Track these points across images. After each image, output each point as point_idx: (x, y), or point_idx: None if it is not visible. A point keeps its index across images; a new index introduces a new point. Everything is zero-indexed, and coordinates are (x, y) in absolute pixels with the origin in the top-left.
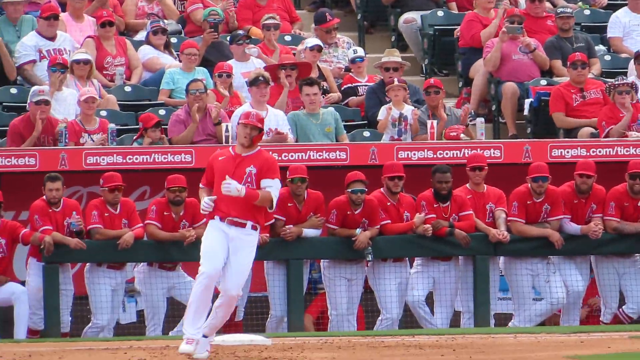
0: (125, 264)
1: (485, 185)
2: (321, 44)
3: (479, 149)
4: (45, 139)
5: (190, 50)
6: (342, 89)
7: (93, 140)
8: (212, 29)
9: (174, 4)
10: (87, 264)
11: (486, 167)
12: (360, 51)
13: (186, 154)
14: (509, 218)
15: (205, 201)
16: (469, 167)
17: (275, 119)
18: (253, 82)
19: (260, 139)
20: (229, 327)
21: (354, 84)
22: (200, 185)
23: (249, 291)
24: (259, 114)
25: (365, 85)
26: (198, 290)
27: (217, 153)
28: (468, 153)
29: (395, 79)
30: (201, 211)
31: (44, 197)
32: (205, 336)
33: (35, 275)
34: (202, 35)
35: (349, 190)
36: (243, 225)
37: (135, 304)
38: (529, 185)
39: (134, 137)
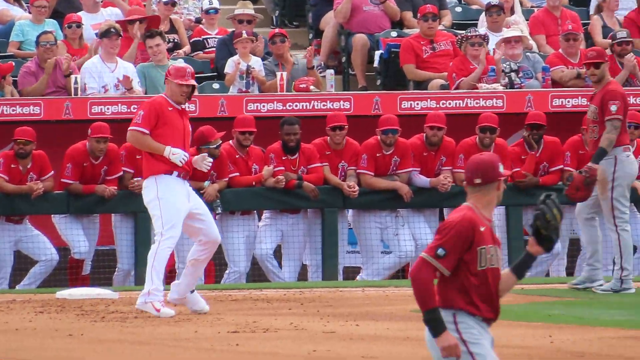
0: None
1: (344, 142)
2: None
3: (328, 101)
4: None
5: (40, 2)
6: (192, 40)
7: None
8: None
9: None
10: None
11: (346, 127)
12: (215, 3)
13: (35, 106)
14: (358, 170)
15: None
16: (328, 126)
17: (125, 70)
18: (104, 34)
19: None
20: (76, 281)
21: (203, 37)
22: (144, 130)
23: (96, 244)
24: (192, 70)
25: (216, 38)
26: (166, 254)
27: (158, 101)
28: (318, 105)
29: (244, 32)
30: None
31: None
32: (192, 291)
33: None
34: None
35: (204, 147)
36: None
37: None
38: (379, 137)
39: None
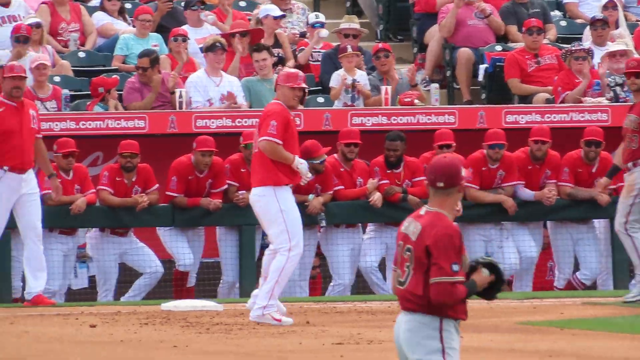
0: (77, 229)
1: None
2: (277, 13)
3: (433, 115)
4: None
5: (145, 16)
6: (297, 53)
7: (47, 109)
8: None
9: None
10: None
11: (454, 145)
12: (321, 17)
13: (139, 120)
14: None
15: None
16: (436, 144)
17: (230, 85)
18: (210, 48)
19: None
20: (181, 292)
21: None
22: (279, 141)
23: (200, 257)
24: (303, 75)
25: (320, 52)
26: (292, 269)
27: (283, 108)
28: (422, 119)
29: (349, 46)
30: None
31: None
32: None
33: None
34: (156, 0)
35: (316, 161)
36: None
37: (87, 269)
38: (485, 151)
39: (93, 101)
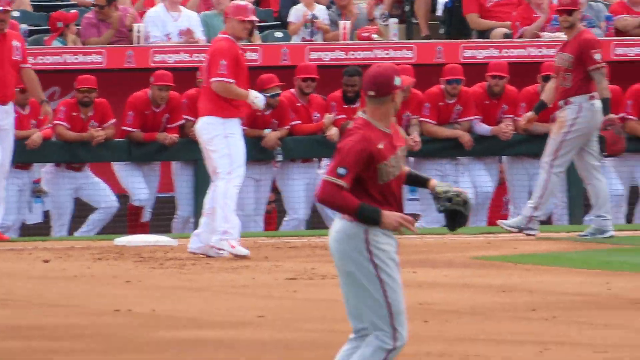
0: (32, 164)
1: (409, 93)
2: None
3: (391, 50)
4: None
5: None
6: None
7: None
8: None
9: None
10: None
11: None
12: None
13: (97, 55)
14: (420, 119)
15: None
16: None
17: (188, 20)
18: None
19: None
20: (135, 228)
21: None
22: (231, 80)
23: (156, 192)
24: (253, 7)
25: None
26: (235, 192)
27: (230, 45)
28: (381, 54)
29: None
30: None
31: None
32: None
33: None
34: None
35: (268, 94)
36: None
37: (42, 204)
38: (443, 86)
39: (52, 35)
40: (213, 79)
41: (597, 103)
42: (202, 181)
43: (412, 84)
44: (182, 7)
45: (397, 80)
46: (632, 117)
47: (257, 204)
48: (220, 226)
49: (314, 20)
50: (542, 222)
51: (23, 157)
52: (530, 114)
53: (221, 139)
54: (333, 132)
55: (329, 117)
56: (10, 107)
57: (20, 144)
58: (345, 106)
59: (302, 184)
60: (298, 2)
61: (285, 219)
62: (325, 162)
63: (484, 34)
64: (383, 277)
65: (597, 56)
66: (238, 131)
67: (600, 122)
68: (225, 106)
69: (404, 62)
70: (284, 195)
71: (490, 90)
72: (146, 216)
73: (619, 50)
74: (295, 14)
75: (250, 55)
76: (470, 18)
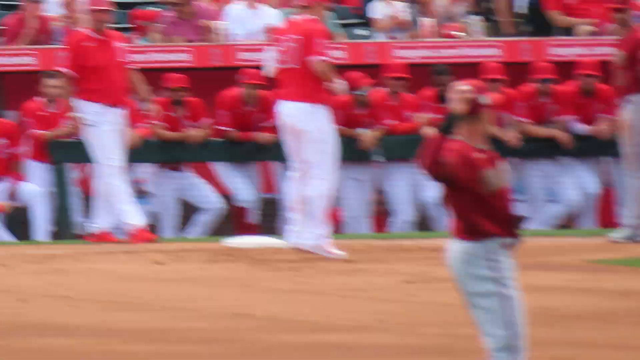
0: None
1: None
2: None
3: (477, 48)
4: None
5: None
6: None
7: None
8: None
9: None
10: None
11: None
12: None
13: (184, 53)
14: (515, 118)
15: None
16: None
17: (269, 16)
18: None
19: None
20: (241, 228)
21: None
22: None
23: (258, 192)
24: None
25: None
26: (330, 193)
27: (319, 24)
28: (467, 52)
29: None
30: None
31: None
32: None
33: (38, 178)
34: None
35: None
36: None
37: (146, 205)
38: (535, 85)
39: (136, 34)
40: (316, 58)
41: None
42: None
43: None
44: (261, 5)
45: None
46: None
47: (361, 204)
48: (317, 229)
49: (396, 17)
50: None
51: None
52: None
53: (321, 131)
54: (430, 132)
55: (422, 116)
56: (123, 110)
57: None
58: (440, 105)
59: (405, 184)
60: None
61: (391, 220)
62: None
63: (566, 30)
64: (502, 295)
65: None
66: (332, 123)
67: None
68: (320, 91)
69: (491, 60)
70: (388, 196)
71: (584, 88)
72: (252, 217)
73: None
74: (378, 10)
75: (336, 53)
76: (553, 15)
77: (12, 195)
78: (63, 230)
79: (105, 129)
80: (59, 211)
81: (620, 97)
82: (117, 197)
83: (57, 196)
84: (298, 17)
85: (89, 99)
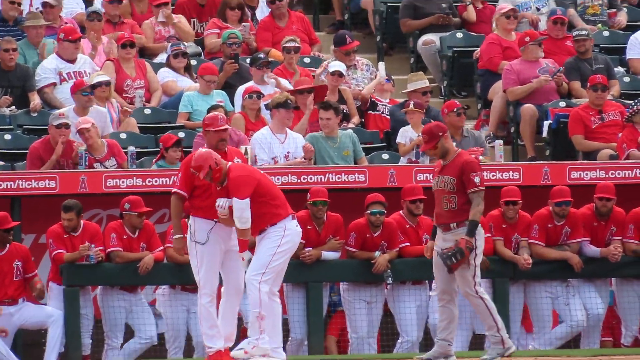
0: (137, 287)
1: (517, 216)
2: (342, 70)
3: (497, 172)
4: (65, 162)
5: (210, 77)
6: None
7: (106, 167)
8: (233, 60)
9: (191, 24)
10: (99, 287)
11: (520, 202)
12: (382, 72)
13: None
14: (529, 241)
15: None
16: (502, 200)
17: (294, 142)
18: (282, 105)
19: None
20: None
21: (373, 99)
22: None
23: None
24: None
25: (385, 105)
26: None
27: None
28: (487, 175)
29: (411, 102)
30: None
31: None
32: None
33: (56, 300)
34: (221, 58)
35: (368, 212)
36: None
37: (156, 326)
38: (551, 208)
39: (154, 159)
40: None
41: None
42: (314, 303)
43: None
44: (287, 130)
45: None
46: (633, 241)
47: (370, 326)
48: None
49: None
50: None
51: (136, 280)
52: None
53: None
54: None
55: None
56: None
57: (132, 266)
58: None
59: (413, 306)
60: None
61: (398, 341)
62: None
63: (589, 155)
64: None
65: (477, 179)
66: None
67: None
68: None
69: (510, 184)
70: (396, 317)
71: (598, 211)
72: None
73: None
74: (403, 135)
75: (358, 177)
76: (576, 139)
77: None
78: (70, 352)
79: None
80: (69, 333)
81: (449, 220)
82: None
83: (69, 318)
84: None
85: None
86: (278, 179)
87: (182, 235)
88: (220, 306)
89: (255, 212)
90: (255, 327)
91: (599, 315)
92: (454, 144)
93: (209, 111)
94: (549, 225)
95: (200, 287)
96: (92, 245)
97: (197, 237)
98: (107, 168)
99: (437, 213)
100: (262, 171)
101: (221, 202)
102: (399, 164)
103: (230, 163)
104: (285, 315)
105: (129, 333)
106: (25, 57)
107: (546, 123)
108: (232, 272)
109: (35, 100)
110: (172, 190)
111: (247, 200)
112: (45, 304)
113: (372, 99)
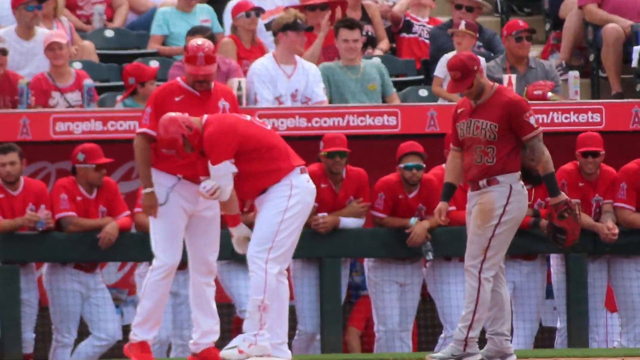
0: (97, 265)
1: (598, 171)
2: None
3: (572, 113)
4: (2, 100)
5: None
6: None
7: (68, 102)
8: None
9: None
10: (45, 264)
11: (602, 153)
12: None
13: None
14: (615, 204)
15: None
16: (579, 151)
17: (305, 74)
18: (291, 27)
19: None
20: None
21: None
22: None
23: None
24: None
25: (424, 26)
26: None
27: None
28: (559, 118)
29: (463, 22)
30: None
31: None
32: None
33: None
34: None
35: (402, 166)
36: None
37: (121, 316)
38: None
39: (120, 97)
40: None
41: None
42: (330, 285)
43: None
44: (297, 58)
45: None
46: None
47: (403, 316)
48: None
49: None
50: None
51: (95, 255)
52: None
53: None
54: None
55: None
56: None
57: (89, 237)
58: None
59: (460, 290)
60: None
61: (441, 335)
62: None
63: None
64: None
65: (532, 120)
66: None
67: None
68: None
69: (589, 129)
70: (437, 304)
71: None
72: None
73: None
74: (443, 66)
75: (387, 120)
76: None
77: None
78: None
79: None
80: (5, 323)
81: (480, 178)
82: None
83: (6, 305)
84: None
85: None
86: (282, 123)
87: (153, 190)
88: (190, 292)
89: (246, 172)
90: (255, 320)
91: None
92: (515, 76)
93: (192, 31)
94: None
95: (154, 259)
96: (42, 206)
97: None
98: (69, 104)
99: (467, 166)
100: (249, 117)
101: (206, 184)
102: (440, 102)
103: (206, 116)
104: (292, 301)
105: (85, 325)
106: None
107: (636, 49)
108: (198, 245)
109: None
110: (138, 130)
111: (226, 163)
112: None
113: (407, 18)
